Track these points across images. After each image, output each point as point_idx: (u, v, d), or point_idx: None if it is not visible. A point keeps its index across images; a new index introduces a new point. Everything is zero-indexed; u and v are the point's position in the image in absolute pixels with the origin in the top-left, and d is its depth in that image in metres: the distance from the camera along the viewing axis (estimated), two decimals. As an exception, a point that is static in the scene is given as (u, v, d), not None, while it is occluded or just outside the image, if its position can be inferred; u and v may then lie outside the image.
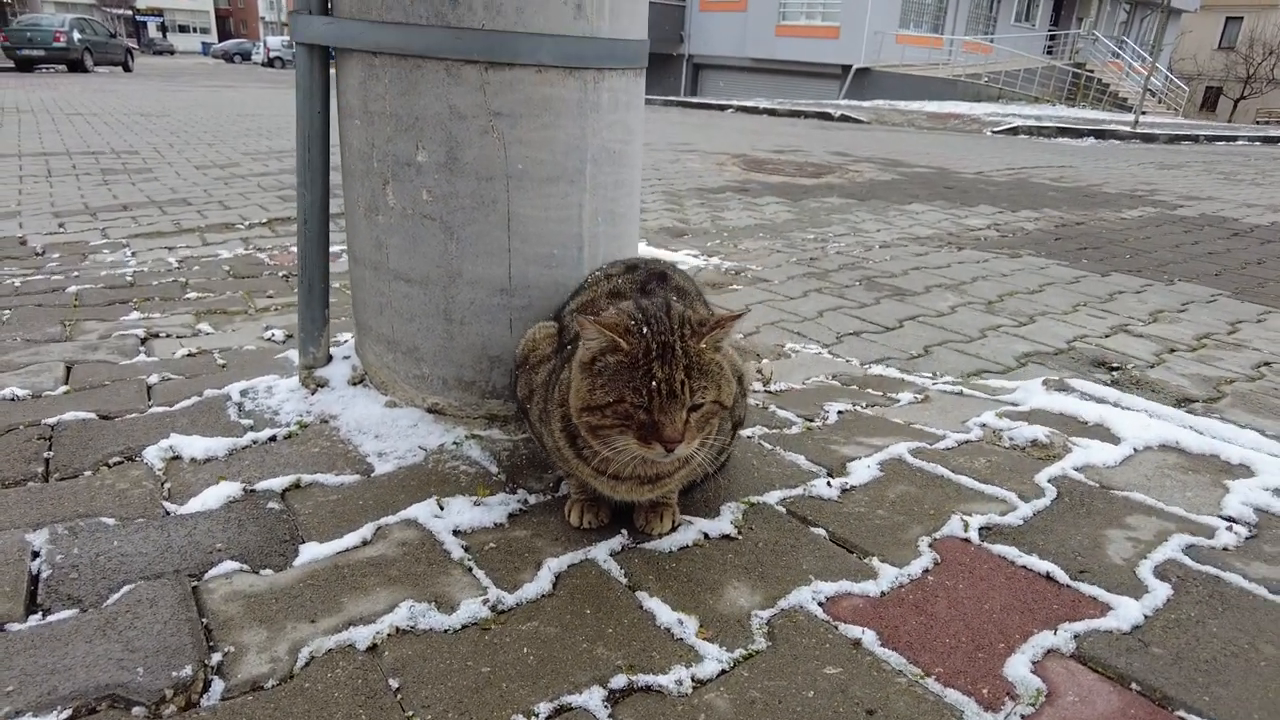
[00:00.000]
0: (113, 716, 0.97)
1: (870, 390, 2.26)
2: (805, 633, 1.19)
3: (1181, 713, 1.04)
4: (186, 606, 1.17)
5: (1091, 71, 26.12)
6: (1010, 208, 6.26)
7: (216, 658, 1.08)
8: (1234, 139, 15.40)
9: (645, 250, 4.43)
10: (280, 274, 3.48)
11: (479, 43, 1.58)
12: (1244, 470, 1.71)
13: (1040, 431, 1.82)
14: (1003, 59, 24.99)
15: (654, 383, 1.17)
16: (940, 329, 3.26)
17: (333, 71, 1.84)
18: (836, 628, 1.20)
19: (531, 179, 1.69)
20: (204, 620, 1.15)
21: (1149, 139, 14.34)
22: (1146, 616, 1.22)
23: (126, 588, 1.21)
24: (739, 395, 1.45)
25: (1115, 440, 1.83)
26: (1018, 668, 1.11)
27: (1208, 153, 12.79)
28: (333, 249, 2.03)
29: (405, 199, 1.71)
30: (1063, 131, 14.51)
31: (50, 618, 1.14)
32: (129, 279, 3.30)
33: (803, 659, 1.13)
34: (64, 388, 2.00)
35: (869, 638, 1.17)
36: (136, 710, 0.98)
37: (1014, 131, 14.75)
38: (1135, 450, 1.79)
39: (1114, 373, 2.82)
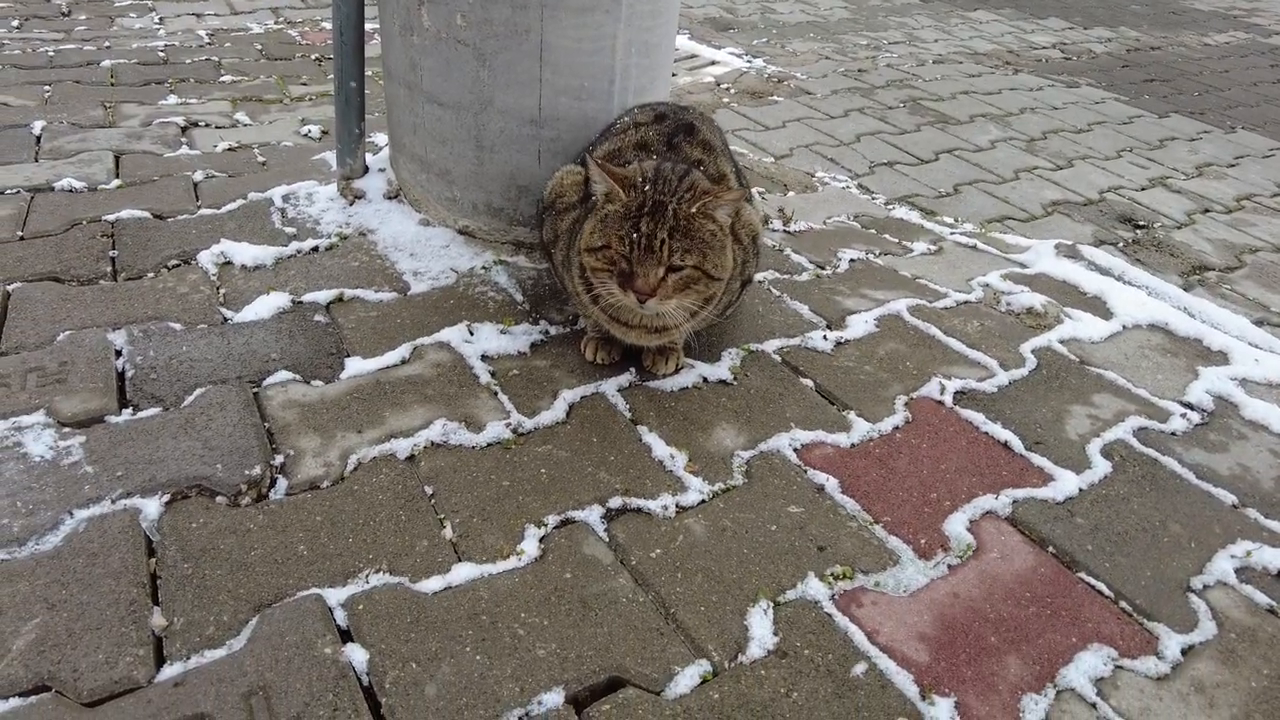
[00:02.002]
0: (201, 502, 1.19)
1: (887, 236, 2.31)
2: (778, 474, 1.37)
3: (1083, 574, 1.23)
4: (250, 411, 1.37)
5: None
6: (1083, 23, 5.78)
7: (279, 459, 1.29)
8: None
9: (684, 44, 4.24)
10: (313, 57, 3.42)
11: None
12: (1220, 357, 1.81)
13: (1038, 300, 1.91)
14: None
15: (636, 235, 1.28)
16: (975, 165, 3.21)
17: None
18: (805, 472, 1.38)
19: (566, 8, 1.66)
20: (266, 425, 1.35)
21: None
22: (1081, 490, 1.39)
23: (199, 390, 1.40)
24: (749, 257, 1.54)
25: (1108, 315, 1.92)
26: (956, 525, 1.29)
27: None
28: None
29: (439, 21, 1.69)
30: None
31: (140, 414, 1.34)
32: (161, 54, 3.27)
33: (772, 497, 1.32)
34: (116, 181, 2.11)
35: (832, 484, 1.36)
36: (219, 499, 1.20)
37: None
38: (1124, 327, 1.88)
39: (1139, 231, 2.82)
